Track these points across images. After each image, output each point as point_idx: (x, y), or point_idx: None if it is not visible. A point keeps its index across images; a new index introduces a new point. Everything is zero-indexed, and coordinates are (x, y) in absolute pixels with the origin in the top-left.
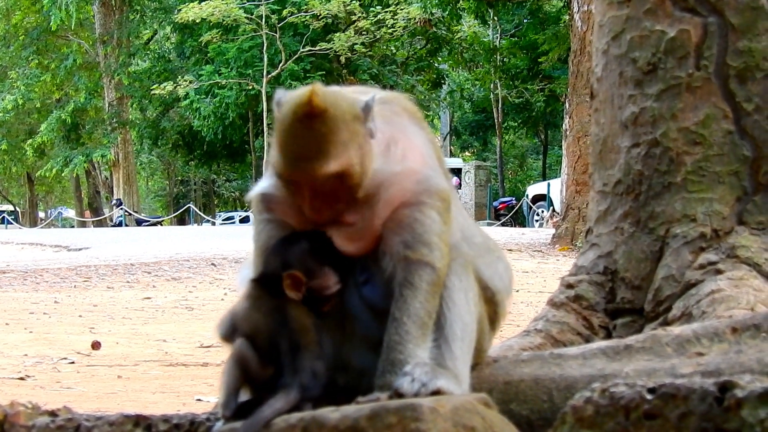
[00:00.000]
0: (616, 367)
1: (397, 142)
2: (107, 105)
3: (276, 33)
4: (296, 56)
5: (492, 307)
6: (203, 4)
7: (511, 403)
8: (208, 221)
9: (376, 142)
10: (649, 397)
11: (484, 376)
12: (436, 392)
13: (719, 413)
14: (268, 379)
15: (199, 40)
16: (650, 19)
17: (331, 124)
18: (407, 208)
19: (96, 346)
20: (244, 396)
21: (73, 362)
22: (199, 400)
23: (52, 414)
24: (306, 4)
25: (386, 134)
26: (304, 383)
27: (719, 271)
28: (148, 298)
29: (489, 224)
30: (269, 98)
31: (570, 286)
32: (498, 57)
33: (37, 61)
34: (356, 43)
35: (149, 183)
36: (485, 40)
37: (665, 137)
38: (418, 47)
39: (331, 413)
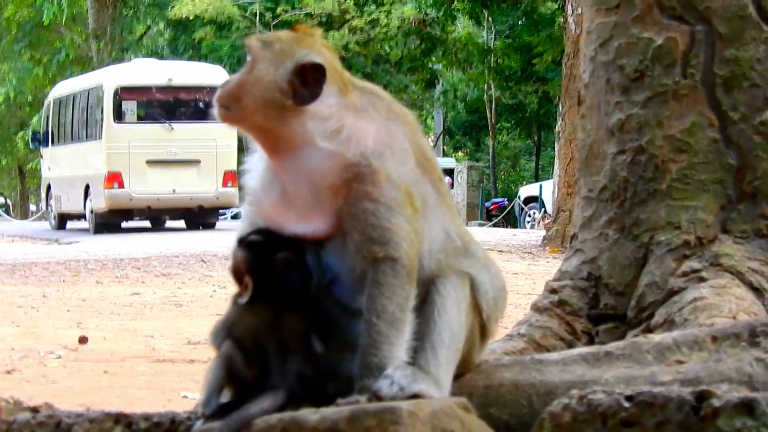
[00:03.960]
0: (596, 373)
1: (344, 124)
2: None
3: (270, 30)
4: None
5: (483, 320)
6: (197, 0)
7: (491, 408)
8: None
9: (319, 117)
10: (626, 404)
11: (465, 380)
12: (415, 396)
13: (696, 422)
14: (252, 380)
15: (193, 37)
16: (638, 26)
17: (259, 49)
18: (349, 202)
19: (83, 341)
20: (225, 397)
21: (59, 357)
22: (184, 396)
23: (34, 410)
24: (300, 2)
25: (339, 116)
26: (291, 387)
27: (702, 279)
28: (137, 293)
29: (481, 225)
30: None
31: (554, 291)
32: (492, 58)
33: (29, 55)
34: (350, 42)
35: None
36: (479, 41)
37: (651, 144)
38: (413, 47)
39: (310, 415)
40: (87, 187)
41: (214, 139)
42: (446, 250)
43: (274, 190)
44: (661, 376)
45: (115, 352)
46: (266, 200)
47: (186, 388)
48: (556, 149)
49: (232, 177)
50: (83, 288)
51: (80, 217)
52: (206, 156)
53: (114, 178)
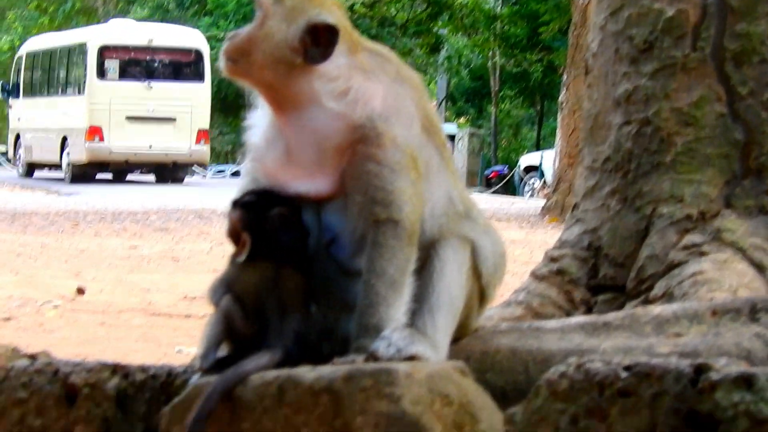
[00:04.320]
0: (594, 342)
1: (352, 85)
2: None
3: None
4: None
5: (482, 285)
6: None
7: (487, 373)
8: (198, 173)
9: (328, 77)
10: (624, 374)
11: (462, 345)
12: (412, 358)
13: (693, 395)
14: (251, 336)
15: None
16: None
17: (270, 4)
18: (353, 163)
19: (80, 291)
20: (222, 352)
21: (57, 306)
22: (179, 351)
23: (31, 357)
24: None
25: (347, 77)
26: (288, 346)
27: (703, 253)
28: (135, 246)
29: (480, 192)
30: None
31: (554, 259)
32: (498, 25)
33: (35, 4)
34: (356, 3)
35: None
36: (486, 7)
37: (657, 116)
38: (419, 11)
39: (307, 373)
40: (64, 139)
41: (190, 99)
42: (448, 215)
43: (277, 148)
44: (659, 348)
45: (112, 304)
46: (269, 157)
47: (181, 343)
48: (558, 119)
49: (205, 135)
50: (82, 239)
51: (51, 166)
52: (181, 114)
53: (95, 132)
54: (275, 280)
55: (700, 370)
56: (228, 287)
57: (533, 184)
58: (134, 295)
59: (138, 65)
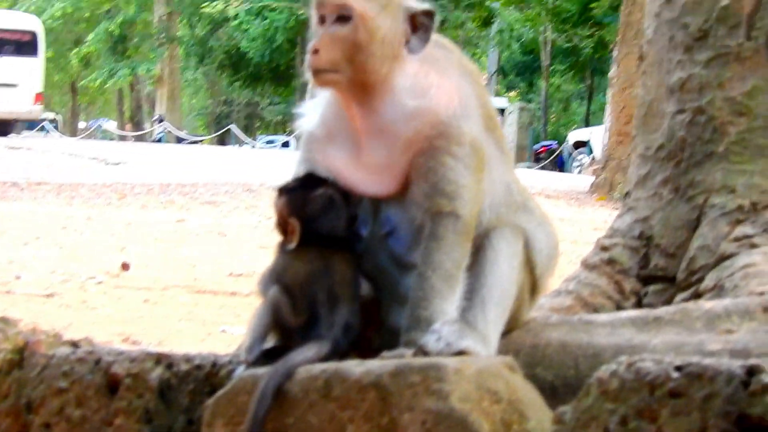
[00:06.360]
0: (644, 338)
1: (432, 82)
2: (156, 19)
3: None
4: None
5: (535, 277)
6: None
7: (537, 367)
8: (248, 143)
9: (405, 72)
10: (675, 375)
11: (512, 338)
12: (461, 352)
13: (744, 397)
14: (298, 328)
15: None
16: None
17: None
18: (426, 154)
19: (125, 267)
20: (268, 343)
21: (101, 282)
22: (224, 331)
23: (74, 344)
24: None
25: (424, 72)
26: (337, 337)
27: (754, 245)
28: (182, 220)
29: (528, 167)
30: None
31: (605, 248)
32: (550, 0)
33: None
34: None
35: (192, 101)
36: None
37: (711, 105)
38: None
39: (354, 367)
40: None
41: (28, 69)
42: (506, 204)
43: (344, 146)
44: (709, 345)
45: (157, 280)
46: (335, 155)
47: (226, 322)
48: (608, 95)
49: (40, 97)
50: (128, 212)
51: None
52: (22, 81)
53: None
54: (325, 270)
55: (752, 371)
56: (277, 278)
57: (582, 159)
58: (180, 271)
59: None
